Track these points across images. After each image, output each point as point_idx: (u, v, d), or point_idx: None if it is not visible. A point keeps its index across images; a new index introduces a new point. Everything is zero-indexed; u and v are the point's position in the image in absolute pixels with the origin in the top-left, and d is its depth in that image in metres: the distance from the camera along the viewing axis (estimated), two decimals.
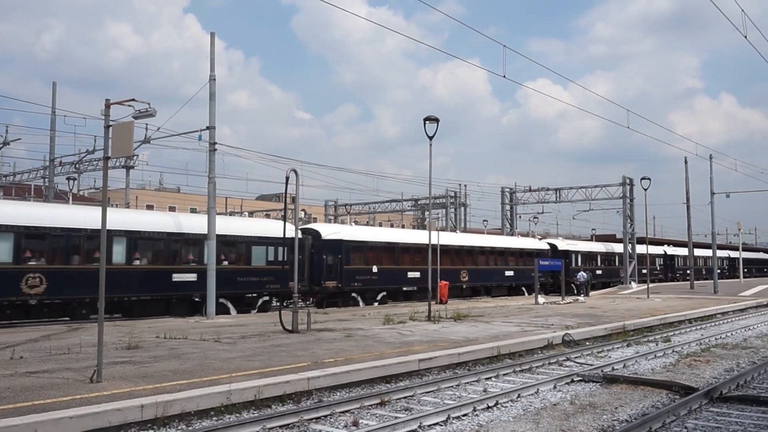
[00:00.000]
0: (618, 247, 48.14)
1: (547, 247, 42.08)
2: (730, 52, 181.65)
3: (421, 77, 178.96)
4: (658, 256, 56.56)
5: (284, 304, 23.11)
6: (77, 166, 34.32)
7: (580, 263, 43.12)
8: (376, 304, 28.16)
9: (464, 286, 33.73)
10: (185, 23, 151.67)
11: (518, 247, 39.21)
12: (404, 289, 30.16)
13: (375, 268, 28.43)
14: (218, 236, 20.62)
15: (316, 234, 27.79)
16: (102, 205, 9.61)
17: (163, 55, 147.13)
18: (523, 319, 19.38)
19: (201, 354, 11.45)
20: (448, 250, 31.88)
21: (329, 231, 28.21)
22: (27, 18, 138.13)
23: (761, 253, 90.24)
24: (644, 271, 47.00)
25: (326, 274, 26.74)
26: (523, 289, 38.59)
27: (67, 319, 18.49)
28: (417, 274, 30.05)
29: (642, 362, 12.61)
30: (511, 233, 47.94)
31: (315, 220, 48.23)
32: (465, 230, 47.93)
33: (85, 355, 11.02)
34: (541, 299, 29.15)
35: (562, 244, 43.66)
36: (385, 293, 29.08)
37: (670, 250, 58.45)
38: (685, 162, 43.60)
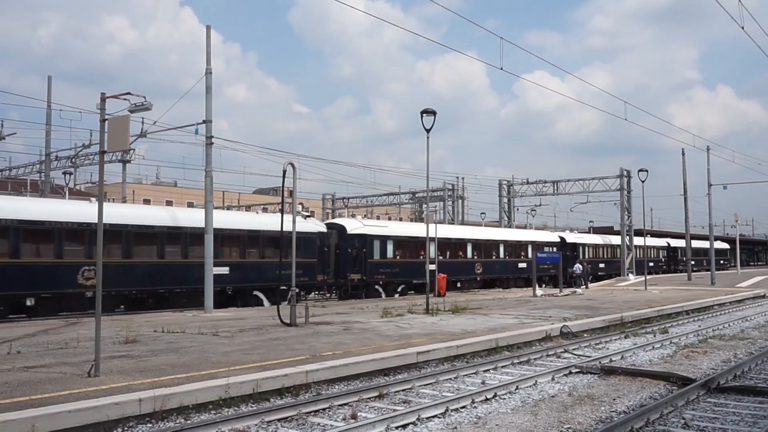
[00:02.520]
0: (461, 231, 36.65)
1: (319, 230, 26.90)
2: (727, 43, 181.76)
3: (419, 70, 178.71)
4: (548, 244, 41.75)
5: None
6: (73, 160, 34.22)
7: (390, 253, 30.01)
8: None
9: (88, 295, 19.04)
10: (182, 17, 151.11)
11: (244, 229, 23.88)
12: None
13: None
14: None
15: None
16: (98, 200, 9.57)
17: (159, 49, 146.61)
18: (521, 312, 19.40)
19: (199, 348, 11.44)
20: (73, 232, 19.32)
21: None
22: (23, 12, 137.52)
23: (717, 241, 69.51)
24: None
25: None
26: (259, 294, 23.76)
27: None
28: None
29: (640, 354, 12.63)
30: (509, 226, 47.87)
31: (313, 213, 48.16)
32: (462, 223, 47.78)
33: (83, 350, 11.00)
34: (539, 291, 29.19)
35: (354, 225, 29.31)
36: None
37: (572, 238, 45.51)
38: (683, 154, 43.80)
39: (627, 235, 45.21)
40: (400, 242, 30.78)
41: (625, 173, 44.17)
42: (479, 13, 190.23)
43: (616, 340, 14.77)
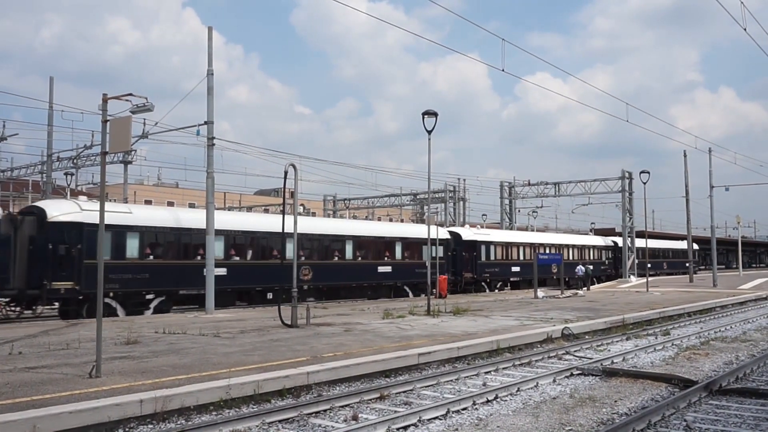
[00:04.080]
0: (277, 222, 22.71)
1: None
2: (729, 45, 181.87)
3: (421, 71, 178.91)
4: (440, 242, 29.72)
5: None
6: (75, 161, 34.24)
7: (134, 252, 20.19)
8: None
9: None
10: (184, 18, 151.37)
11: None
12: None
13: None
14: None
15: None
16: (100, 201, 9.58)
17: (162, 50, 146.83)
18: (523, 313, 19.38)
19: (200, 349, 11.44)
20: None
21: None
22: (26, 13, 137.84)
23: (674, 241, 60.80)
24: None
25: None
26: None
27: None
28: None
29: (641, 355, 12.62)
30: (510, 227, 47.80)
31: (314, 214, 48.15)
32: (463, 225, 47.72)
33: (84, 351, 11.01)
34: (540, 293, 29.16)
35: (63, 210, 19.45)
36: None
37: (470, 234, 36.64)
38: (684, 156, 43.64)
39: (629, 237, 45.10)
40: (156, 236, 21.45)
41: (626, 175, 44.09)
42: (481, 14, 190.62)
43: (617, 341, 14.74)
